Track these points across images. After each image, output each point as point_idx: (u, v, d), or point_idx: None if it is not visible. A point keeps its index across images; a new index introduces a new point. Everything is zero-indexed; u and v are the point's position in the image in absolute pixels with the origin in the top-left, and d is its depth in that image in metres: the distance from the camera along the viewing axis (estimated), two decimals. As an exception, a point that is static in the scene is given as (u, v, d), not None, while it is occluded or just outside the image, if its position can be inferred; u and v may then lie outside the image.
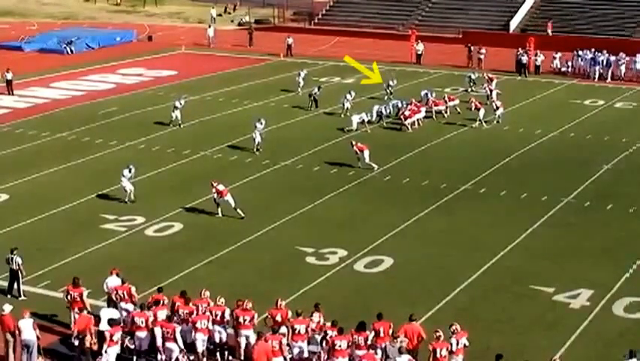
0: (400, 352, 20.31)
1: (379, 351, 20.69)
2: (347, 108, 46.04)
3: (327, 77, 57.04)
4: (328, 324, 21.26)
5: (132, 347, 21.99)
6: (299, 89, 51.81)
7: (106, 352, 21.03)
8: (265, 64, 62.17)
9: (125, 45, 70.28)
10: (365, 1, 78.59)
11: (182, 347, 21.52)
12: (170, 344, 21.43)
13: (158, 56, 64.98)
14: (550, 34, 67.36)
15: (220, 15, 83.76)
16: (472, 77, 53.18)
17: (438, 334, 20.53)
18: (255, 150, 39.51)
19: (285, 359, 20.77)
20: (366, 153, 37.09)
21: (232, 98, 51.17)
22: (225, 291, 23.23)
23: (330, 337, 20.68)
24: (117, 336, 21.23)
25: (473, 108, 45.44)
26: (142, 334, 21.75)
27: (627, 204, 33.24)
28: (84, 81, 56.15)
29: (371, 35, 72.38)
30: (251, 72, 59.19)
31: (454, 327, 20.71)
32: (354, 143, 37.73)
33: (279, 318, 21.72)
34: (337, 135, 42.49)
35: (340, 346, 20.46)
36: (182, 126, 43.95)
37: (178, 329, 21.54)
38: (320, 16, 79.09)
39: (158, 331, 21.67)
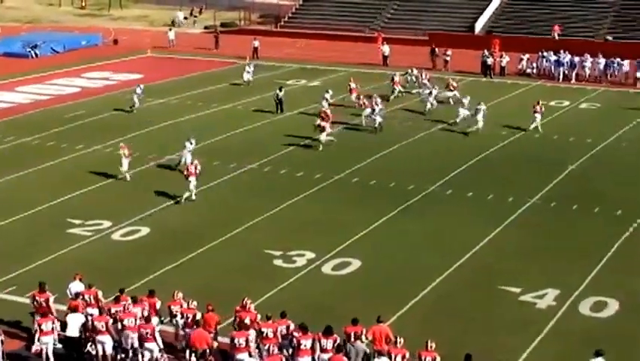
0: (381, 354, 20.24)
1: (352, 351, 20.67)
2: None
3: (293, 79, 57.06)
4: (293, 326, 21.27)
5: (94, 353, 21.76)
6: (244, 80, 54.71)
7: (39, 341, 21.42)
8: (232, 67, 62.04)
9: (90, 49, 69.85)
10: (331, 3, 78.70)
11: (162, 346, 21.43)
12: (149, 344, 21.32)
13: (124, 60, 64.65)
14: (557, 37, 67.17)
15: (186, 18, 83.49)
16: (412, 73, 53.70)
17: (395, 339, 20.34)
18: (176, 168, 37.35)
19: (250, 355, 20.76)
20: (193, 179, 33.64)
21: (199, 101, 50.99)
22: (193, 294, 23.10)
23: (296, 337, 20.71)
24: (47, 326, 21.54)
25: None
26: (104, 338, 21.58)
27: (592, 205, 33.50)
28: (49, 85, 55.74)
29: (338, 38, 72.44)
30: (217, 75, 59.03)
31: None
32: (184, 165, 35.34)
33: (247, 321, 21.64)
34: (304, 137, 42.45)
35: (305, 345, 20.51)
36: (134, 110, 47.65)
37: (157, 328, 21.43)
38: (286, 19, 79.06)
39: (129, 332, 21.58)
